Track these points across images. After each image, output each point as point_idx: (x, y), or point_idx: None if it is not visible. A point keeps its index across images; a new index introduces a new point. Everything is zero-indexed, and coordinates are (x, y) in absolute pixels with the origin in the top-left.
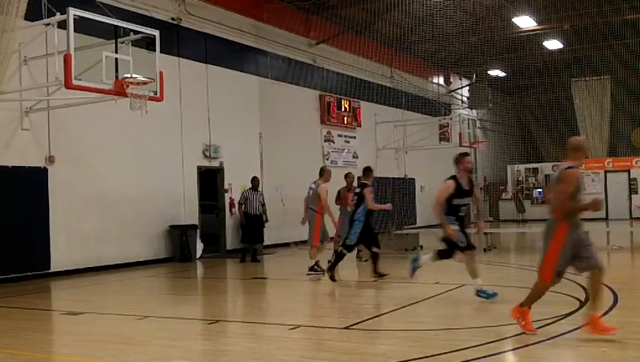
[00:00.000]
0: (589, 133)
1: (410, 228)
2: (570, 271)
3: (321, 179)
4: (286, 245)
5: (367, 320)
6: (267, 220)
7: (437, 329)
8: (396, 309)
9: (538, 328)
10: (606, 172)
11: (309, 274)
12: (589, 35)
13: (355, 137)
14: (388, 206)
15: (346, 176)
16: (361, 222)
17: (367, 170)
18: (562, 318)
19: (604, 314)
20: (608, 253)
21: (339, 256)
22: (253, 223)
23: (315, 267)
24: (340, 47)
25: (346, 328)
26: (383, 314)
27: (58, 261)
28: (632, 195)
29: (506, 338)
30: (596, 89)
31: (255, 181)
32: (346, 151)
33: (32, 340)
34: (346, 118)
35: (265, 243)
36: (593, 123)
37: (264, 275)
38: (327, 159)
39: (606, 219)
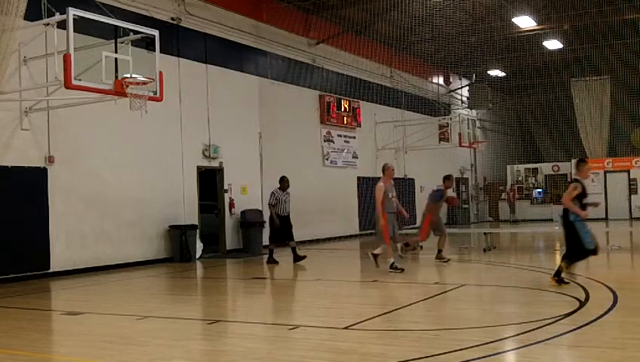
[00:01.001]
0: (588, 132)
1: (409, 229)
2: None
3: (384, 178)
4: (286, 245)
5: (367, 320)
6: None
7: (437, 329)
8: (396, 309)
9: (538, 328)
10: (606, 172)
11: (390, 271)
12: (588, 35)
13: (354, 137)
14: (597, 201)
15: (447, 178)
16: (580, 220)
17: (581, 164)
18: (562, 318)
19: (604, 314)
20: (608, 253)
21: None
22: (284, 224)
23: (395, 265)
24: (339, 47)
25: (345, 328)
26: (382, 314)
27: (58, 261)
28: (632, 195)
29: (506, 338)
30: (596, 89)
31: (285, 181)
32: (345, 151)
33: (32, 340)
34: (345, 118)
35: (263, 243)
36: (593, 123)
37: (264, 275)
38: (327, 159)
39: (606, 219)
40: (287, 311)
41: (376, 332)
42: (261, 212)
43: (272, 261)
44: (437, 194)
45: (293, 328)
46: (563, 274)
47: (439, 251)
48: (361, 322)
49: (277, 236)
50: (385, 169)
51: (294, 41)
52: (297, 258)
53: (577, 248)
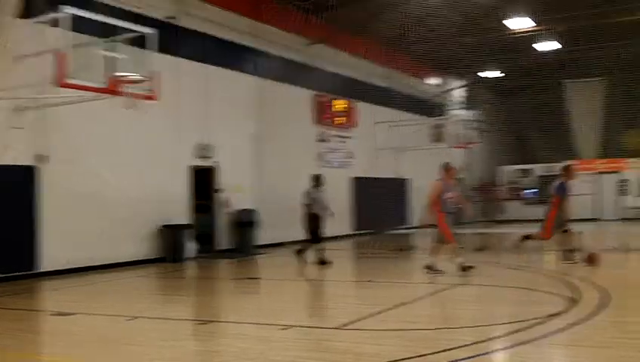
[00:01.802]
0: (581, 134)
1: (404, 229)
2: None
3: (444, 177)
4: (280, 245)
5: (360, 319)
6: (332, 213)
7: (430, 328)
8: (389, 309)
9: (530, 328)
10: (598, 173)
11: (461, 273)
12: (583, 37)
13: (350, 137)
14: None
15: (566, 168)
16: None
17: None
18: (555, 318)
19: (597, 313)
20: (602, 253)
21: None
22: (320, 224)
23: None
24: (336, 47)
25: (339, 328)
26: (375, 314)
27: (49, 261)
28: (623, 196)
29: (497, 337)
30: (590, 90)
31: (319, 179)
32: (341, 151)
33: (21, 340)
34: (341, 119)
35: (259, 243)
36: (586, 124)
37: (257, 275)
38: (323, 159)
39: (598, 220)
40: (280, 311)
41: (370, 331)
42: (255, 212)
43: (322, 262)
44: (559, 188)
45: (287, 328)
46: None
47: (570, 251)
48: (355, 322)
49: (316, 236)
50: (445, 168)
51: (292, 41)
52: (324, 261)
53: None
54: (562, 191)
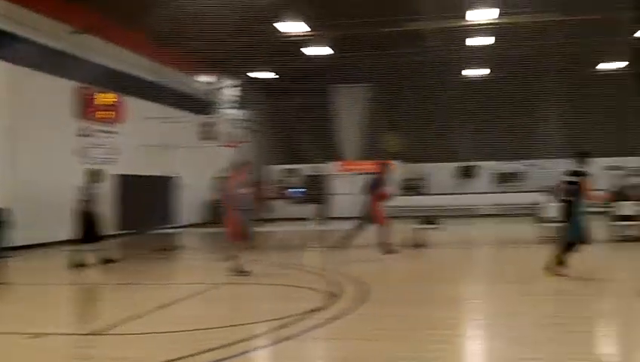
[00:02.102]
0: (347, 136)
1: (170, 228)
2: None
3: (235, 174)
4: (39, 246)
5: (121, 324)
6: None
7: (194, 329)
8: (151, 311)
9: (292, 324)
10: (361, 174)
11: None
12: (352, 45)
13: (117, 133)
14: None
15: (383, 165)
16: None
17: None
18: (314, 313)
19: (358, 307)
20: (362, 250)
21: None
22: (98, 221)
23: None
24: (104, 38)
25: (96, 333)
26: (137, 317)
27: None
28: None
29: (260, 334)
30: (355, 95)
31: (98, 174)
32: (105, 147)
33: None
34: (107, 113)
35: (11, 245)
36: (350, 127)
37: (6, 280)
38: (86, 155)
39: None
40: (31, 319)
41: (132, 336)
42: (6, 210)
43: (106, 261)
44: (375, 183)
45: (37, 336)
46: None
47: (387, 243)
48: (116, 326)
49: (92, 235)
50: (238, 165)
51: (54, 27)
52: (107, 260)
53: None
54: (376, 185)
